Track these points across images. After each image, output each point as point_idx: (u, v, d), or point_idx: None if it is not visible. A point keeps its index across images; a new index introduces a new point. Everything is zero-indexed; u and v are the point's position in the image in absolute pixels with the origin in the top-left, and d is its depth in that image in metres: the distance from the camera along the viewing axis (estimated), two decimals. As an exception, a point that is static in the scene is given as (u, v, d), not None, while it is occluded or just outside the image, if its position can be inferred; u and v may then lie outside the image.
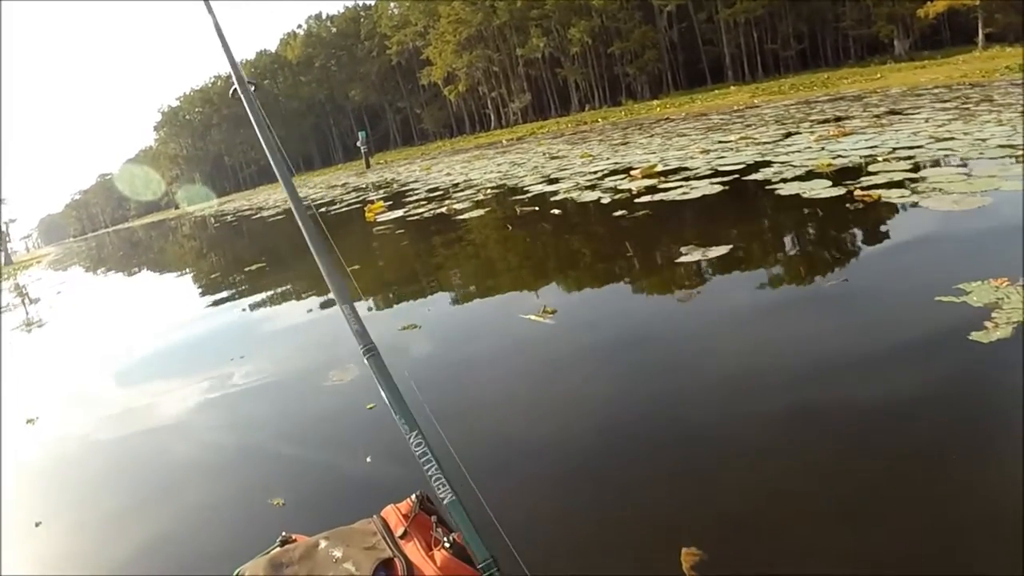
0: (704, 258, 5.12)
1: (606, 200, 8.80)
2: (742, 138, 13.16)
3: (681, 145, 14.29)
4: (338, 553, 1.62)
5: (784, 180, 7.75)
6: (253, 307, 7.71)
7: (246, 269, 10.74)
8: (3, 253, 71.10)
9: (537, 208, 9.53)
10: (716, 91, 49.28)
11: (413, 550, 1.60)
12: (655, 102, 52.16)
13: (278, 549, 1.71)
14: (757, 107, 25.01)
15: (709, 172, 9.33)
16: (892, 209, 5.74)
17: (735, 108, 26.86)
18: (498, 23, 72.62)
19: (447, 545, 1.55)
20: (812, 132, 12.16)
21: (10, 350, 9.04)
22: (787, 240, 5.64)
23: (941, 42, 54.92)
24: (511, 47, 73.69)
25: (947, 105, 13.88)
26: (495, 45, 74.86)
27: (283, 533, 1.80)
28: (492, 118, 78.87)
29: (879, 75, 33.28)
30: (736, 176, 8.61)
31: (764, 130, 14.35)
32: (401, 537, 1.65)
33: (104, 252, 37.25)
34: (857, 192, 6.39)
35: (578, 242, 7.23)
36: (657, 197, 8.14)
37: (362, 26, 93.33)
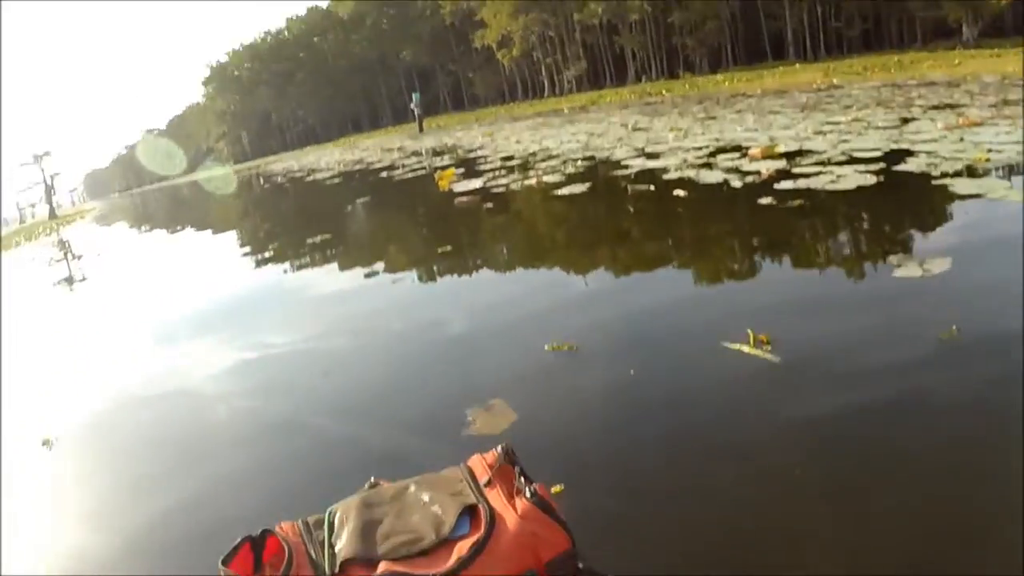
0: (927, 274, 4.09)
1: (736, 183, 7.80)
2: (854, 120, 12.09)
3: (782, 124, 13.21)
4: (426, 497, 1.76)
5: (946, 174, 6.75)
6: (328, 298, 6.53)
7: (308, 241, 9.75)
8: (48, 207, 71.53)
9: (652, 187, 8.52)
10: (781, 68, 47.73)
11: (496, 497, 1.71)
12: (718, 76, 50.66)
13: (370, 490, 1.87)
14: (840, 87, 23.70)
15: (843, 158, 8.32)
16: None
17: (816, 87, 25.56)
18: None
19: (528, 495, 1.67)
20: (932, 119, 11.05)
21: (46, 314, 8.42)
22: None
23: (1004, 30, 52.99)
24: (568, 12, 72.21)
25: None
26: (552, 9, 73.38)
27: (372, 478, 1.99)
28: (545, 85, 77.69)
29: (957, 61, 31.61)
30: (883, 165, 7.57)
31: (870, 113, 13.23)
32: (486, 485, 1.77)
33: (149, 209, 36.98)
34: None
35: (734, 235, 6.16)
36: (800, 184, 7.13)
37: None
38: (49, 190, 70.59)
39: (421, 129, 45.10)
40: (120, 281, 11.25)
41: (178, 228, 19.79)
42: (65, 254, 19.02)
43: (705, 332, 3.74)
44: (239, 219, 17.31)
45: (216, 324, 6.29)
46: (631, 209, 7.68)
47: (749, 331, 3.45)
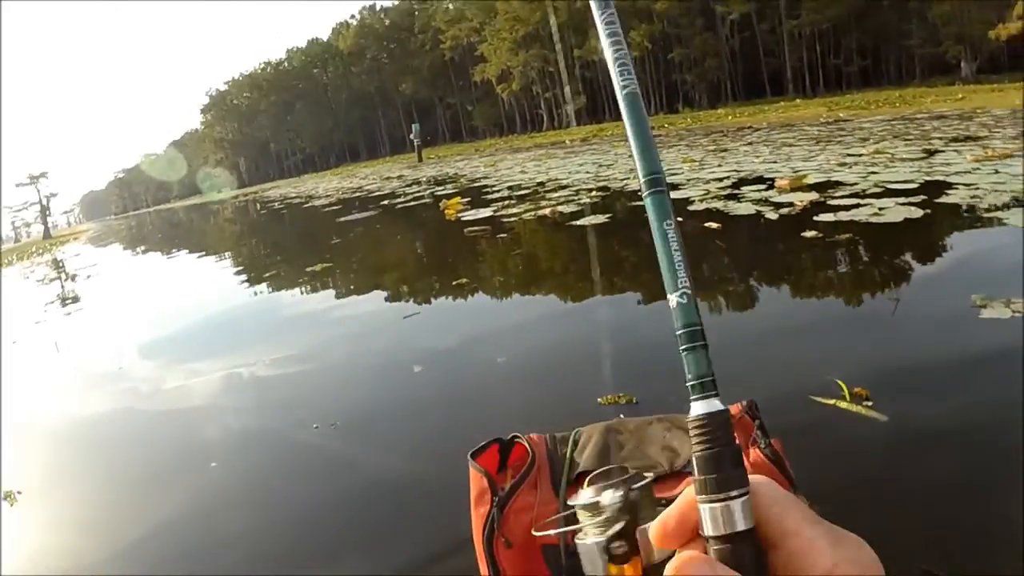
0: (1017, 314, 3.64)
1: (772, 215, 7.39)
2: (876, 152, 11.71)
3: (801, 156, 12.85)
4: (666, 433, 1.84)
5: (994, 207, 6.37)
6: (334, 332, 6.08)
7: (308, 269, 9.30)
8: (44, 227, 71.51)
9: (680, 219, 8.06)
10: (782, 103, 47.66)
11: None
12: (719, 110, 50.60)
13: (615, 420, 1.95)
14: (848, 121, 23.45)
15: (878, 190, 7.92)
16: None
17: (823, 120, 25.32)
18: (556, 23, 71.37)
19: (762, 446, 1.71)
20: (958, 152, 10.68)
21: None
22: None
23: (1000, 67, 53.23)
24: (568, 47, 72.41)
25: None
26: (551, 45, 73.57)
27: (620, 415, 2.27)
28: (545, 119, 77.70)
29: (960, 95, 31.53)
30: (923, 197, 7.15)
31: (889, 145, 12.89)
32: None
33: (144, 231, 36.76)
34: None
35: (786, 271, 5.71)
36: (841, 216, 6.74)
37: (416, 19, 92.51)
38: (44, 210, 70.59)
39: (420, 159, 44.90)
40: (109, 303, 11.01)
41: (173, 251, 19.44)
42: (58, 274, 18.77)
43: (787, 383, 3.27)
44: (240, 249, 16.79)
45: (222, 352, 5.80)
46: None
47: (841, 383, 2.96)
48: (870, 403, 2.82)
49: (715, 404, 0.59)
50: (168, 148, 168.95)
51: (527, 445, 1.80)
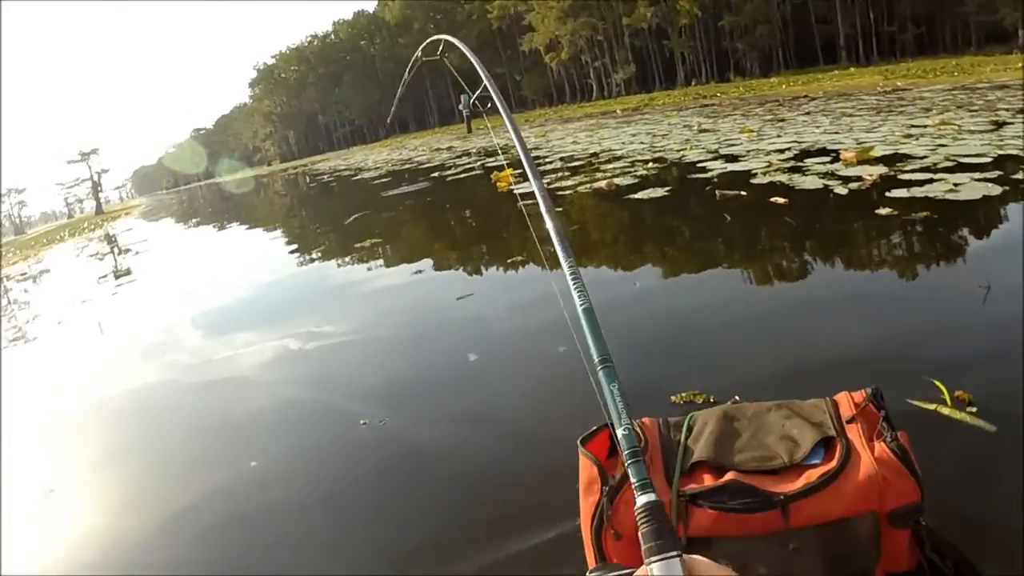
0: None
1: (840, 190, 7.12)
2: (943, 123, 11.26)
3: (863, 127, 12.46)
4: (786, 421, 1.76)
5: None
6: (381, 316, 5.88)
7: (356, 245, 9.18)
8: (95, 203, 72.62)
9: (743, 192, 7.80)
10: (836, 71, 46.50)
11: (855, 435, 1.67)
12: (772, 79, 49.64)
13: (732, 405, 1.90)
14: (907, 90, 22.77)
15: (950, 164, 7.57)
16: None
17: (880, 89, 24.63)
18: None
19: (888, 440, 1.60)
20: (1027, 123, 10.23)
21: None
22: None
23: (1057, 35, 51.22)
24: (616, 16, 71.44)
25: None
26: (600, 13, 72.63)
27: (736, 397, 2.40)
28: (594, 88, 76.84)
29: (1020, 64, 30.47)
30: (999, 173, 6.79)
31: (954, 116, 12.41)
32: (848, 422, 1.73)
33: (195, 205, 37.15)
34: None
35: (863, 252, 5.37)
36: (915, 192, 6.45)
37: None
38: (96, 186, 71.66)
39: (470, 130, 44.58)
40: (157, 278, 11.23)
41: (225, 225, 19.53)
42: (112, 249, 19.00)
43: (879, 382, 2.95)
44: (289, 223, 16.72)
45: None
46: (727, 217, 6.92)
47: (940, 385, 2.71)
48: (974, 409, 2.58)
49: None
50: (194, 137, 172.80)
51: (639, 430, 1.74)
